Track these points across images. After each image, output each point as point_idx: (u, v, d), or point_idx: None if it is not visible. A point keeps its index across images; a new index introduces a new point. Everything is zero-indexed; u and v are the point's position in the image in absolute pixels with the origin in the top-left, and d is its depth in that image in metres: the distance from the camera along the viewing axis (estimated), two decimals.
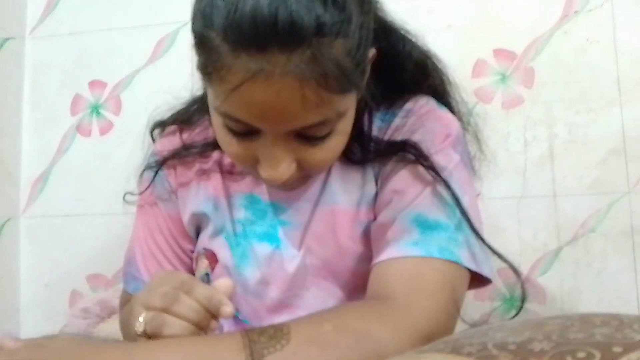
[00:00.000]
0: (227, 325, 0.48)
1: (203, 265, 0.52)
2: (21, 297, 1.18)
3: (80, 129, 1.18)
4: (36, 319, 1.16)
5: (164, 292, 0.45)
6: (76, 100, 1.18)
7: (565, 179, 0.96)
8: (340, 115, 0.49)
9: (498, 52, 1.00)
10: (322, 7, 0.43)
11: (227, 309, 0.45)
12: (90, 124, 1.17)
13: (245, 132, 0.49)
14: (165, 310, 0.44)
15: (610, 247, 0.94)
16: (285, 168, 0.50)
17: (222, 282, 0.47)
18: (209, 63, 0.45)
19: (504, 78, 1.00)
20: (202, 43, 0.46)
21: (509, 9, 1.00)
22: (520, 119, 0.98)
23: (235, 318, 0.49)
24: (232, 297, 0.47)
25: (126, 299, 0.69)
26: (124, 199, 0.69)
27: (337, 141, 0.51)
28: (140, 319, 0.44)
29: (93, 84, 1.18)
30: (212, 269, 0.63)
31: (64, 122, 1.18)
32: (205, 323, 0.45)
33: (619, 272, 0.93)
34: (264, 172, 0.50)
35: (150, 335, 0.44)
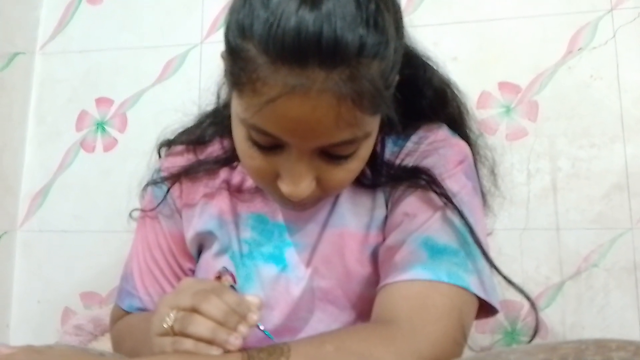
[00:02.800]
0: (251, 338, 0.48)
1: (227, 280, 0.52)
2: (12, 313, 1.15)
3: (84, 144, 1.18)
4: (26, 336, 1.13)
5: (195, 291, 0.45)
6: (82, 116, 1.19)
7: (568, 212, 0.96)
8: (367, 135, 0.49)
9: (503, 85, 1.02)
10: (365, 28, 0.43)
11: (254, 316, 0.45)
12: (94, 140, 1.18)
13: (270, 146, 0.48)
14: (194, 308, 0.44)
15: (613, 283, 0.93)
16: (306, 185, 0.49)
17: (251, 296, 0.47)
18: (243, 74, 0.45)
19: (508, 110, 1.01)
20: (236, 53, 0.46)
21: (514, 43, 1.02)
22: (524, 152, 0.99)
23: (259, 331, 0.48)
24: (259, 310, 0.47)
25: (118, 316, 0.67)
26: (130, 215, 0.69)
27: (358, 163, 0.51)
28: (172, 315, 0.44)
29: (100, 101, 1.19)
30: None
31: (69, 137, 1.18)
32: (231, 325, 0.44)
33: (621, 308, 0.92)
34: (285, 187, 0.49)
35: (176, 333, 0.44)
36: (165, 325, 0.44)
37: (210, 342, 0.43)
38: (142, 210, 0.68)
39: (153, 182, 0.68)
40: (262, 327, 0.48)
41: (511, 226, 0.96)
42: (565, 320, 0.93)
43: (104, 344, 0.81)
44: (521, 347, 0.35)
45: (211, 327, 0.43)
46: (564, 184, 0.97)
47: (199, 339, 0.43)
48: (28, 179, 1.19)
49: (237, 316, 0.44)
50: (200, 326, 0.43)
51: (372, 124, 0.49)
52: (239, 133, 0.51)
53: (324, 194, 0.53)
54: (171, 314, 0.44)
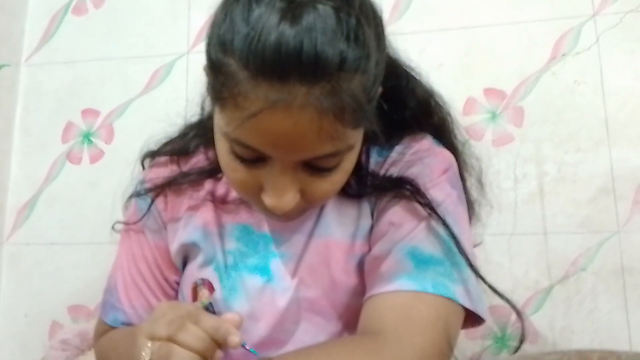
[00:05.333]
0: (236, 351, 0.47)
1: (204, 295, 0.51)
2: None
3: (71, 156, 1.17)
4: (12, 350, 1.12)
5: (170, 320, 0.44)
6: (68, 127, 1.18)
7: (555, 216, 0.96)
8: (350, 148, 0.49)
9: (488, 91, 1.02)
10: (345, 42, 0.43)
11: (235, 338, 0.44)
12: (80, 152, 1.17)
13: (253, 159, 0.48)
14: (171, 338, 0.43)
15: (601, 286, 0.93)
16: (290, 197, 0.49)
17: (229, 315, 0.47)
18: (224, 89, 0.45)
19: (494, 116, 1.01)
20: (217, 68, 0.46)
21: (498, 50, 1.03)
22: (510, 157, 0.99)
23: (243, 349, 0.48)
24: (239, 328, 0.46)
25: (102, 330, 0.67)
26: (112, 228, 0.68)
27: (342, 175, 0.51)
28: (147, 349, 0.43)
29: (86, 112, 1.18)
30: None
31: (54, 149, 1.17)
32: (210, 353, 0.43)
33: (610, 312, 0.92)
34: (269, 200, 0.49)
35: None
36: (144, 359, 0.43)
37: None
38: (126, 223, 0.68)
39: (137, 194, 0.67)
40: (247, 347, 0.47)
41: (499, 231, 0.97)
42: (554, 325, 0.94)
43: (91, 359, 0.80)
44: (505, 359, 0.35)
45: (191, 358, 0.42)
46: (551, 188, 0.97)
47: None
48: (14, 192, 1.17)
49: (216, 343, 0.44)
50: (182, 357, 0.42)
51: (355, 136, 0.49)
52: (221, 146, 0.51)
53: (309, 206, 0.53)
54: (147, 348, 0.43)
